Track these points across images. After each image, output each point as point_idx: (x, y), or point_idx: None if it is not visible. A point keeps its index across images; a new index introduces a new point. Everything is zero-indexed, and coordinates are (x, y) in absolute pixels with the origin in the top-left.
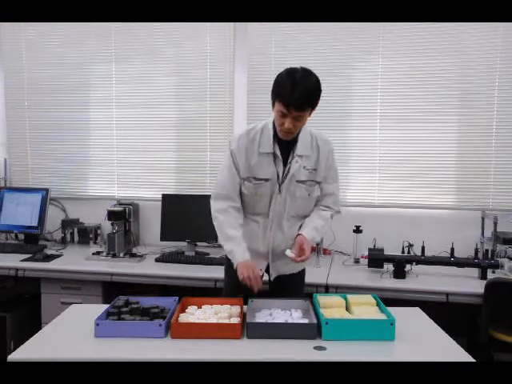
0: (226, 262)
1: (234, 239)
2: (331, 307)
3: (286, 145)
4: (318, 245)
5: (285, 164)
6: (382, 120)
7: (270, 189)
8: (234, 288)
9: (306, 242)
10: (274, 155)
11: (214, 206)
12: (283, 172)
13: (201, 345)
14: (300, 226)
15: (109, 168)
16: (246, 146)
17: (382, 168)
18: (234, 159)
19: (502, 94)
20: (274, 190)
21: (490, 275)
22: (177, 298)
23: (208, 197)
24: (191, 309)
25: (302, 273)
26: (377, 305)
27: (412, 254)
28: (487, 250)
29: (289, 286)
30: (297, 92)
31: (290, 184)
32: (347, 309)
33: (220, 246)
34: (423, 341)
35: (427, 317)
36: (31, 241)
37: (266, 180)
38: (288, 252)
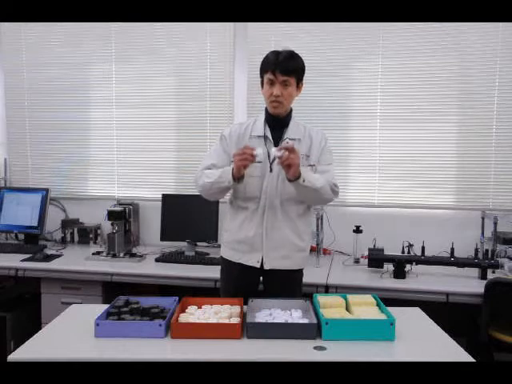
0: (222, 264)
1: (217, 171)
2: (331, 307)
3: (277, 130)
4: (318, 245)
5: (276, 146)
6: (382, 120)
7: (261, 170)
8: (230, 290)
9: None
10: (265, 137)
11: (195, 177)
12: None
13: (201, 345)
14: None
15: (109, 168)
16: (238, 133)
17: (382, 168)
18: (223, 142)
19: (502, 93)
20: (265, 171)
21: (490, 275)
22: (177, 298)
23: None
24: (191, 309)
25: (300, 273)
26: (377, 305)
27: (412, 254)
28: (487, 250)
29: (287, 286)
30: (282, 56)
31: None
32: (347, 309)
33: (220, 246)
34: (423, 341)
35: (427, 317)
36: (31, 241)
37: (258, 162)
38: (274, 149)
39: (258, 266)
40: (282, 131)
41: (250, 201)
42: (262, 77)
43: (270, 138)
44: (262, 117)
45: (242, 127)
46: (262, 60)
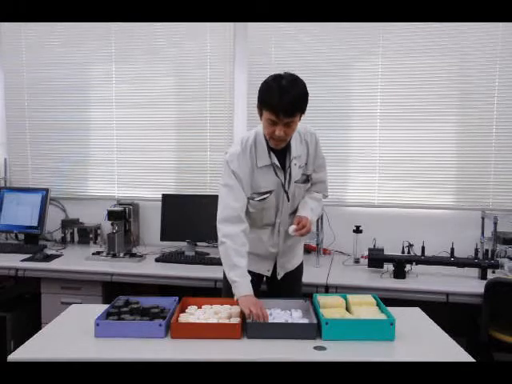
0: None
1: (240, 269)
2: (331, 307)
3: (281, 153)
4: (318, 245)
5: (284, 170)
6: (382, 120)
7: (275, 199)
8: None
9: (305, 218)
10: (273, 165)
11: (223, 230)
12: (285, 178)
13: (201, 345)
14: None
15: (109, 168)
16: (246, 164)
17: (382, 168)
18: (238, 179)
19: (502, 93)
20: (279, 199)
21: (490, 275)
22: (177, 298)
23: (208, 197)
24: (191, 309)
25: (300, 266)
26: (377, 305)
27: (412, 254)
28: (487, 250)
29: (293, 280)
30: (286, 98)
31: (290, 187)
32: (347, 309)
33: None
34: (423, 341)
35: (427, 317)
36: (31, 241)
37: (270, 192)
38: (291, 230)
39: (269, 274)
40: (285, 152)
41: (266, 225)
42: (259, 107)
43: (278, 164)
44: (263, 140)
45: (245, 155)
46: (261, 88)
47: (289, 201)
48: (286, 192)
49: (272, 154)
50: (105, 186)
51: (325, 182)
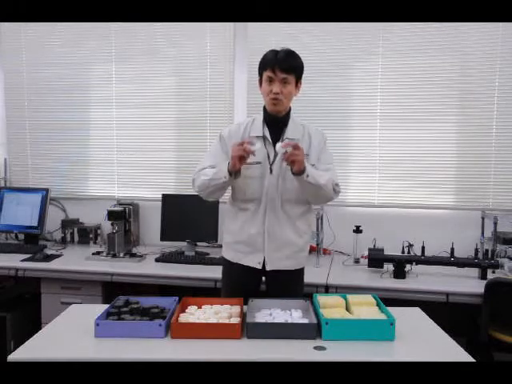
0: (223, 266)
1: (213, 169)
2: (331, 307)
3: (276, 130)
4: (318, 245)
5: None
6: (382, 120)
7: (260, 171)
8: (232, 291)
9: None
10: (264, 138)
11: (194, 180)
12: (274, 154)
13: (201, 345)
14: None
15: (109, 168)
16: (237, 133)
17: (382, 168)
18: (222, 143)
19: (502, 94)
20: (265, 172)
21: (490, 275)
22: (177, 298)
23: None
24: (191, 309)
25: (301, 272)
26: (377, 305)
27: (412, 254)
28: (487, 250)
29: (288, 285)
30: (281, 54)
31: (277, 164)
32: (347, 309)
33: (220, 246)
34: (423, 341)
35: (427, 317)
36: (31, 241)
37: (257, 163)
38: (278, 146)
39: (260, 267)
40: (281, 131)
41: (250, 202)
42: (260, 75)
43: (269, 138)
44: (261, 116)
45: (240, 127)
46: (260, 58)
47: (271, 173)
48: (270, 165)
49: (266, 128)
50: (105, 186)
51: (332, 172)
